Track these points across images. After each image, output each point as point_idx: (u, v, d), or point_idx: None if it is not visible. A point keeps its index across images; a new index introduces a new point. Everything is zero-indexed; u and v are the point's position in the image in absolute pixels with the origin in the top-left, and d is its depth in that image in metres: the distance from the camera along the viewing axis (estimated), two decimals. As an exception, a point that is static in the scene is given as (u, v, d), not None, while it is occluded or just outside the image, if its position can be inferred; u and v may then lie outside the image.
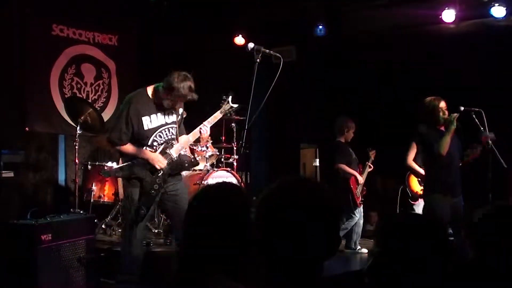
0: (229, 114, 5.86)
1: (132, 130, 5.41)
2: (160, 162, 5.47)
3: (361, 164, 8.30)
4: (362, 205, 8.12)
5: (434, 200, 6.18)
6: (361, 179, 8.04)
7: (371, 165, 8.30)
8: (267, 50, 4.49)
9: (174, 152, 5.56)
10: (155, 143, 5.51)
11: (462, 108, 6.81)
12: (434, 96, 6.40)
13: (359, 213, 8.05)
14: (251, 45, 4.47)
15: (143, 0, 8.34)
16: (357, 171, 8.14)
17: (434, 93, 8.67)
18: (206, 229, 1.99)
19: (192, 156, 6.22)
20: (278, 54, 4.56)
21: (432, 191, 6.26)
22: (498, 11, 8.06)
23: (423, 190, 6.42)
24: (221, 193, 2.10)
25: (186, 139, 5.69)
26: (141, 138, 5.45)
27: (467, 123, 6.76)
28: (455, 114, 6.16)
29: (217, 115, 5.73)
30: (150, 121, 5.46)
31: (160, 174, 5.49)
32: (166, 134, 5.58)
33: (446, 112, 6.28)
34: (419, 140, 6.41)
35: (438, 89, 8.70)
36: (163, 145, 5.53)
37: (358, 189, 8.02)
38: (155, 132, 5.49)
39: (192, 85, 5.37)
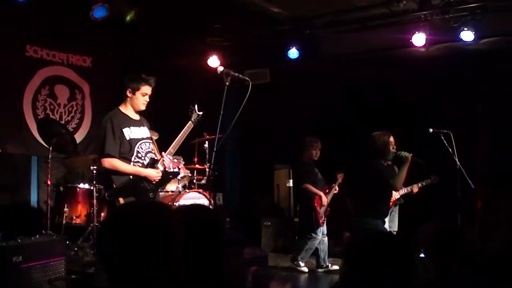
0: (197, 122, 5.93)
1: (120, 143, 5.47)
2: (156, 176, 5.57)
3: (327, 185, 8.38)
4: (324, 224, 8.22)
5: (373, 224, 6.30)
6: (325, 200, 8.13)
7: (337, 188, 8.38)
8: (236, 74, 4.58)
9: (161, 166, 5.66)
10: (139, 155, 5.57)
11: (431, 130, 6.95)
12: (382, 131, 6.47)
13: (321, 232, 8.14)
14: (220, 68, 4.56)
15: (118, 22, 8.36)
16: (323, 191, 8.22)
17: (405, 114, 8.88)
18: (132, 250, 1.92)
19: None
20: (247, 78, 4.65)
21: (371, 217, 6.36)
22: (467, 36, 8.23)
23: (363, 216, 6.53)
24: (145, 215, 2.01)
25: (168, 155, 5.80)
26: (125, 151, 5.50)
27: (436, 144, 6.91)
28: (407, 153, 6.28)
29: (190, 125, 5.86)
30: (130, 132, 5.56)
31: (154, 188, 5.58)
32: (147, 146, 5.69)
33: (394, 147, 6.41)
34: (370, 173, 6.48)
35: (409, 111, 8.92)
36: (149, 160, 5.60)
37: (322, 209, 8.10)
38: (137, 143, 5.59)
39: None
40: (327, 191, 8.33)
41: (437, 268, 3.47)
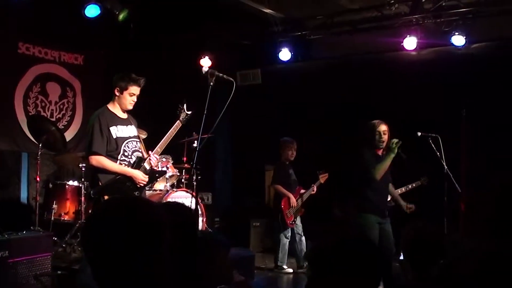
0: (185, 122, 5.92)
1: (107, 141, 5.49)
2: (142, 179, 5.58)
3: (301, 187, 8.41)
4: (297, 224, 8.25)
5: (365, 220, 6.16)
6: (293, 202, 8.14)
7: (315, 189, 8.38)
8: (221, 74, 4.62)
9: (147, 165, 5.67)
10: (125, 153, 5.59)
11: (419, 134, 6.97)
12: (378, 120, 6.34)
13: (289, 233, 8.18)
14: (205, 68, 4.60)
15: (110, 21, 8.38)
16: (294, 193, 8.25)
17: (395, 118, 8.90)
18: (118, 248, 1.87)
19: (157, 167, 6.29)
20: (231, 78, 4.68)
21: (363, 211, 6.23)
22: (458, 40, 8.28)
23: (357, 209, 6.42)
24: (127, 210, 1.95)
25: (155, 154, 5.82)
26: (112, 149, 5.52)
27: (424, 147, 6.95)
28: (396, 141, 6.14)
29: (178, 125, 5.87)
30: (117, 131, 5.58)
31: (139, 189, 5.60)
32: (134, 145, 5.70)
33: (384, 136, 6.24)
34: (357, 161, 6.37)
35: (399, 114, 8.94)
36: (136, 158, 5.62)
37: (289, 211, 8.12)
38: (123, 142, 5.60)
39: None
40: (301, 191, 8.36)
41: (415, 270, 3.49)
